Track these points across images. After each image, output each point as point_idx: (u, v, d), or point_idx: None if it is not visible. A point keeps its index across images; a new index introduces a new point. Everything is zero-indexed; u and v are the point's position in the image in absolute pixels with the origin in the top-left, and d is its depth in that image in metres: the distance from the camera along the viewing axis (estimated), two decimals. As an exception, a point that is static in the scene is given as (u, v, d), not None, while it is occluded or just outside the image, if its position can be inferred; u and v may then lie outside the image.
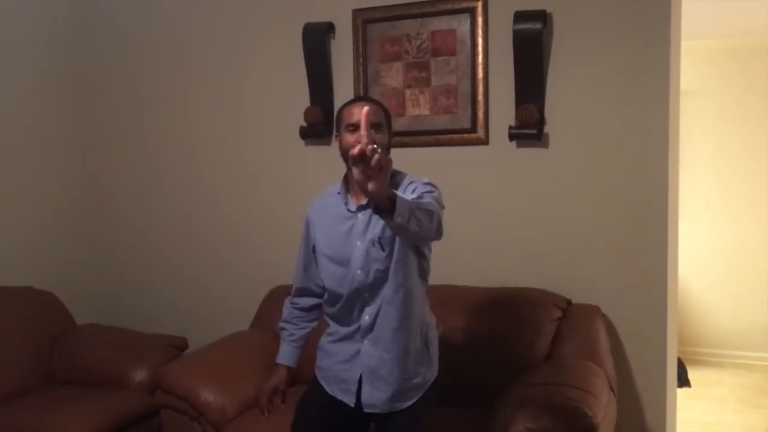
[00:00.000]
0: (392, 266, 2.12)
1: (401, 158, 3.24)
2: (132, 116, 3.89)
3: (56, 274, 3.75)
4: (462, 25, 3.12)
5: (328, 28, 3.34)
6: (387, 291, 2.14)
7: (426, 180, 2.19)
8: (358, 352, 2.20)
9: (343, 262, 2.18)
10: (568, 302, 2.91)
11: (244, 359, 2.99)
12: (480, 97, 3.12)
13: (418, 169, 3.21)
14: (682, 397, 3.59)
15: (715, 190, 5.22)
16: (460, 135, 3.18)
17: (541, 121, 2.99)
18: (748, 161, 5.13)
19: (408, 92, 3.27)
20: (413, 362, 2.20)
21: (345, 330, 2.24)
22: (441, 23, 3.17)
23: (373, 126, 2.08)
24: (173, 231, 3.83)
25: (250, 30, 3.55)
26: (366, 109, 1.88)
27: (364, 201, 2.14)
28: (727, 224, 5.21)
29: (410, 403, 2.19)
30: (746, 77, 5.10)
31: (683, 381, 4.14)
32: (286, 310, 2.45)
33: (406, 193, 2.05)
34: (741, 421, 4.15)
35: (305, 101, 3.40)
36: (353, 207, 2.19)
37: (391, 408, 2.17)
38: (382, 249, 2.12)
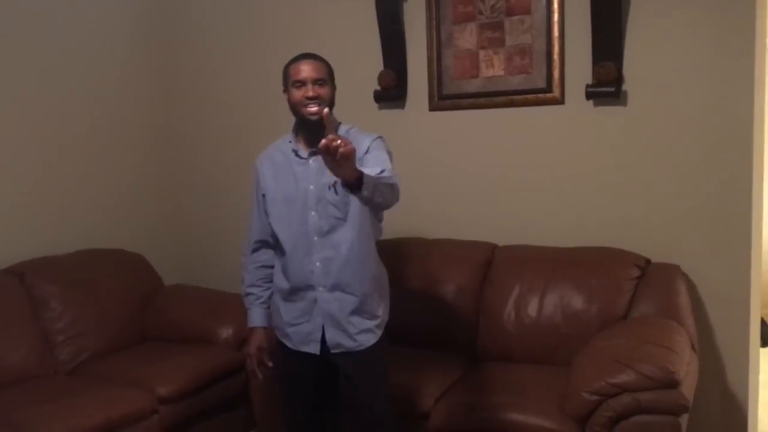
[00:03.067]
0: (345, 210, 2.23)
1: (476, 119, 3.31)
2: (210, 86, 4.01)
3: (144, 237, 3.93)
4: (537, -18, 3.09)
5: (401, -9, 3.35)
6: (341, 235, 2.24)
7: (375, 137, 2.28)
8: (315, 301, 2.28)
9: (296, 205, 2.27)
10: (647, 261, 2.88)
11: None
12: (555, 56, 3.08)
13: (493, 131, 3.27)
14: (765, 357, 3.51)
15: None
16: (535, 95, 3.16)
17: (619, 79, 2.93)
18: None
19: (482, 53, 3.26)
20: (370, 304, 2.29)
21: (297, 280, 2.29)
22: (515, -19, 3.13)
23: (317, 81, 2.24)
24: (249, 197, 3.94)
25: (325, -4, 3.59)
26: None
27: (314, 148, 2.22)
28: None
29: (373, 342, 2.29)
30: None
31: (767, 341, 4.03)
32: (248, 273, 2.48)
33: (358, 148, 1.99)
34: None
35: (379, 65, 3.44)
36: (304, 153, 2.29)
37: (357, 346, 2.27)
38: (336, 193, 2.21)
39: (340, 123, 2.32)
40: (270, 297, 2.46)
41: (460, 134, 3.35)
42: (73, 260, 3.38)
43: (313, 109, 2.21)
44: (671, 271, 2.83)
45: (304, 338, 2.33)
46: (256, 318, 2.48)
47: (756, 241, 2.88)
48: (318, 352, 2.30)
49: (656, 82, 2.91)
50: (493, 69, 3.24)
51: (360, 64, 3.46)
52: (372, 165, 2.11)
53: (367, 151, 2.21)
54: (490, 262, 3.10)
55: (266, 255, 2.46)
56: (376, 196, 1.96)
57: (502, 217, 3.26)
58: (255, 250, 2.48)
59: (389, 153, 2.28)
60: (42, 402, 2.66)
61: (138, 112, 3.99)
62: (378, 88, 3.45)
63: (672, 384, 2.17)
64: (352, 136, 2.23)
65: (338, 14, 3.56)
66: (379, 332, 2.33)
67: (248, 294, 2.50)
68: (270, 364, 2.43)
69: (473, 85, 3.29)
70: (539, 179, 3.19)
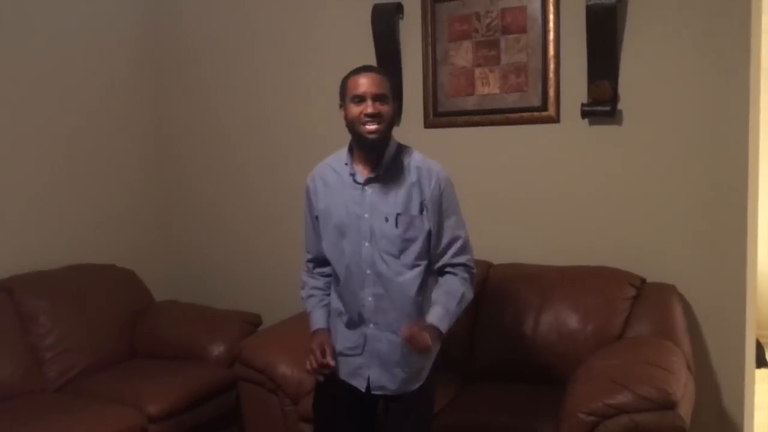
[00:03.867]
0: (403, 246, 2.10)
1: (471, 137, 3.31)
2: (205, 102, 4.00)
3: (135, 252, 3.90)
4: (533, 2, 3.09)
5: (397, 9, 3.36)
6: (393, 270, 2.11)
7: (443, 174, 2.18)
8: (366, 336, 2.15)
9: (349, 233, 2.14)
10: (643, 281, 2.87)
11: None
12: (551, 74, 3.09)
13: (488, 149, 3.26)
14: (760, 379, 3.50)
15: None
16: (530, 113, 3.16)
17: (614, 98, 2.94)
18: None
19: (477, 71, 3.26)
20: (419, 354, 2.12)
21: (351, 311, 2.17)
22: (511, 1, 3.14)
23: (378, 97, 2.08)
24: (246, 212, 3.92)
25: (321, 11, 3.59)
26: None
27: (372, 174, 2.14)
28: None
29: (419, 384, 2.16)
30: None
31: (762, 362, 4.03)
32: (312, 279, 2.32)
33: (420, 182, 2.13)
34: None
35: (374, 82, 3.43)
36: (361, 179, 2.15)
37: (402, 390, 2.15)
38: (396, 226, 2.10)
39: (400, 144, 2.21)
40: (329, 303, 2.29)
41: (455, 152, 3.33)
42: (64, 275, 3.34)
43: (373, 127, 2.06)
44: (666, 291, 2.82)
45: (352, 371, 2.19)
46: (318, 320, 2.26)
47: (751, 262, 2.88)
48: (363, 389, 2.17)
49: (651, 102, 2.92)
50: (489, 87, 3.24)
51: (355, 81, 3.45)
52: (448, 239, 2.15)
53: (441, 200, 2.13)
54: (485, 281, 3.07)
55: (328, 269, 2.28)
56: (454, 322, 2.12)
57: (497, 236, 3.25)
58: (317, 265, 2.32)
59: (455, 201, 2.20)
60: (29, 419, 2.62)
61: (130, 128, 3.96)
62: (374, 104, 3.43)
63: (669, 405, 2.14)
64: (417, 169, 2.14)
65: (334, 30, 3.57)
66: (425, 375, 2.18)
67: (310, 296, 2.31)
68: (332, 363, 2.14)
69: (469, 103, 3.29)
70: (534, 198, 3.18)
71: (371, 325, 2.14)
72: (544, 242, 3.16)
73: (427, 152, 3.33)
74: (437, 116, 3.37)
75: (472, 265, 2.21)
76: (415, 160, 2.18)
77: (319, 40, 3.60)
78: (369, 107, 2.06)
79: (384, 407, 2.22)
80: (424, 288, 2.15)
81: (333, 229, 2.18)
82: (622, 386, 2.20)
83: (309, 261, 2.34)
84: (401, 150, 2.20)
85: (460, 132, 3.33)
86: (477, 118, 3.27)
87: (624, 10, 2.91)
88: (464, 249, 2.20)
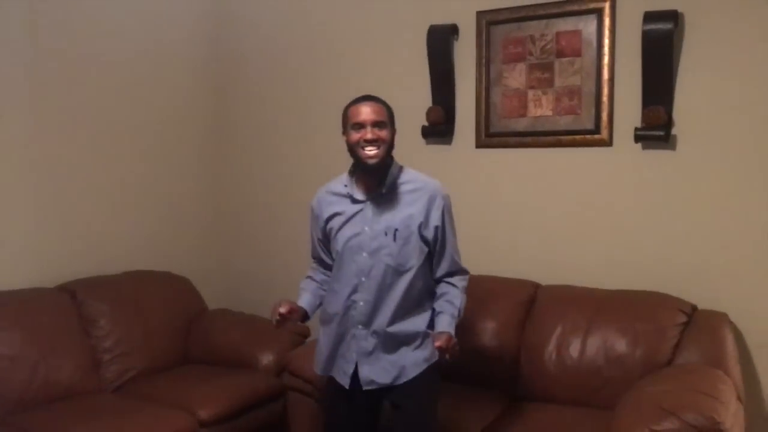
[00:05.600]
0: (401, 259, 2.26)
1: (523, 158, 3.34)
2: (262, 116, 4.12)
3: (191, 261, 4.02)
4: (588, 25, 3.12)
5: (452, 30, 3.41)
6: (387, 280, 2.26)
7: (445, 192, 2.35)
8: (354, 337, 2.30)
9: (351, 245, 2.29)
10: (694, 308, 2.84)
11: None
12: (605, 98, 3.10)
13: (539, 170, 3.27)
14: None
15: None
16: (582, 136, 3.17)
17: (668, 123, 2.94)
18: None
19: (530, 93, 3.29)
20: (408, 345, 2.29)
21: (339, 307, 2.31)
22: (567, 24, 3.17)
23: (377, 124, 2.25)
24: (299, 225, 3.98)
25: (377, 32, 3.68)
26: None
27: (372, 193, 2.30)
28: None
29: (411, 377, 2.28)
30: None
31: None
32: (311, 271, 2.54)
33: (422, 200, 2.30)
34: None
35: (428, 101, 3.49)
36: (360, 196, 2.32)
37: (391, 383, 2.28)
38: (394, 240, 2.25)
39: (401, 167, 2.36)
40: (322, 295, 2.45)
41: (506, 172, 3.37)
42: (123, 281, 3.47)
43: (372, 152, 2.24)
44: (718, 319, 2.79)
45: (342, 370, 2.34)
46: (302, 299, 2.44)
47: (807, 292, 2.82)
48: (347, 386, 2.31)
49: (707, 127, 2.91)
50: (542, 109, 3.27)
51: (409, 100, 3.51)
52: (446, 260, 2.32)
53: (442, 224, 2.30)
54: (533, 301, 3.09)
55: (328, 270, 2.47)
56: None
57: (546, 257, 3.26)
58: (317, 264, 2.55)
59: (452, 217, 2.37)
60: (88, 419, 2.73)
61: (190, 140, 4.11)
62: (426, 123, 3.50)
63: (717, 434, 2.13)
64: (417, 187, 2.30)
65: (389, 50, 3.64)
66: (419, 369, 2.30)
67: (305, 279, 2.53)
68: (283, 310, 2.28)
69: (521, 124, 3.32)
70: (585, 220, 3.19)
71: (359, 327, 2.29)
72: (593, 265, 3.15)
73: (478, 171, 3.43)
74: (489, 136, 3.40)
75: (466, 268, 2.43)
76: (417, 179, 2.34)
77: (374, 61, 3.68)
78: (368, 133, 2.24)
79: (390, 407, 2.35)
80: (413, 293, 2.30)
81: (339, 241, 2.33)
82: (669, 413, 2.18)
83: (312, 260, 2.56)
84: (403, 171, 2.35)
85: (512, 153, 3.35)
86: (529, 139, 3.30)
87: (681, 35, 2.91)
88: (459, 259, 2.40)
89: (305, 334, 3.53)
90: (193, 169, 4.13)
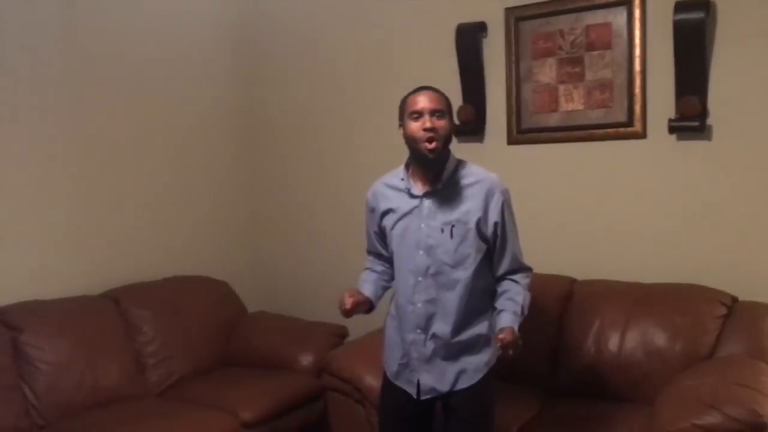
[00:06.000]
0: (458, 257, 2.19)
1: (555, 153, 3.32)
2: (297, 121, 4.16)
3: (229, 265, 4.09)
4: (618, 18, 3.09)
5: (481, 28, 3.42)
6: (445, 279, 2.20)
7: (504, 186, 2.29)
8: (413, 343, 2.25)
9: (407, 242, 2.25)
10: (734, 299, 2.80)
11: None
12: (637, 90, 3.07)
13: (572, 165, 3.25)
14: None
15: None
16: (615, 129, 3.15)
17: (703, 113, 2.90)
18: None
19: (561, 87, 3.27)
20: (470, 350, 2.23)
21: (402, 314, 2.28)
22: (596, 17, 3.15)
23: (436, 112, 2.18)
24: (336, 228, 4.04)
25: (406, 32, 3.69)
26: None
27: (430, 188, 2.24)
28: None
29: (471, 383, 2.23)
30: None
31: None
32: (369, 263, 2.49)
33: (481, 195, 2.23)
34: None
35: (458, 100, 3.50)
36: (418, 191, 2.25)
37: (453, 389, 2.23)
38: (451, 236, 2.18)
39: (459, 160, 2.32)
40: (384, 286, 2.43)
41: (539, 168, 3.36)
42: (164, 287, 3.55)
43: (432, 146, 2.15)
44: (760, 310, 2.75)
45: (404, 377, 2.30)
46: (363, 287, 2.41)
47: None
48: (414, 395, 2.27)
49: (743, 116, 2.86)
50: (573, 103, 3.25)
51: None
52: (507, 257, 2.26)
53: (502, 220, 2.23)
54: (570, 296, 3.08)
55: (385, 261, 2.44)
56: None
57: (581, 252, 3.24)
58: (373, 257, 2.50)
59: (512, 212, 2.31)
60: (134, 422, 2.80)
61: (229, 146, 4.18)
62: (457, 122, 3.50)
63: (761, 428, 2.10)
64: (475, 182, 2.25)
65: (420, 50, 3.65)
66: (478, 376, 2.25)
67: (364, 270, 2.49)
68: (348, 306, 2.26)
69: (552, 119, 3.31)
70: (619, 214, 3.16)
71: (418, 330, 2.24)
72: (629, 259, 3.13)
73: (511, 168, 3.41)
74: (521, 133, 3.40)
75: (529, 266, 2.36)
76: (474, 173, 2.28)
77: (404, 61, 3.70)
78: (427, 122, 2.16)
79: (443, 409, 2.30)
80: (474, 295, 2.23)
81: (395, 239, 2.29)
82: (710, 406, 2.16)
83: (368, 254, 2.51)
84: (460, 165, 2.30)
85: (544, 148, 3.34)
86: (560, 134, 3.28)
87: (713, 24, 2.87)
88: (521, 256, 2.33)
89: (343, 335, 3.56)
90: (228, 174, 4.20)
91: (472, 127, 3.47)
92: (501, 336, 2.10)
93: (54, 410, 2.85)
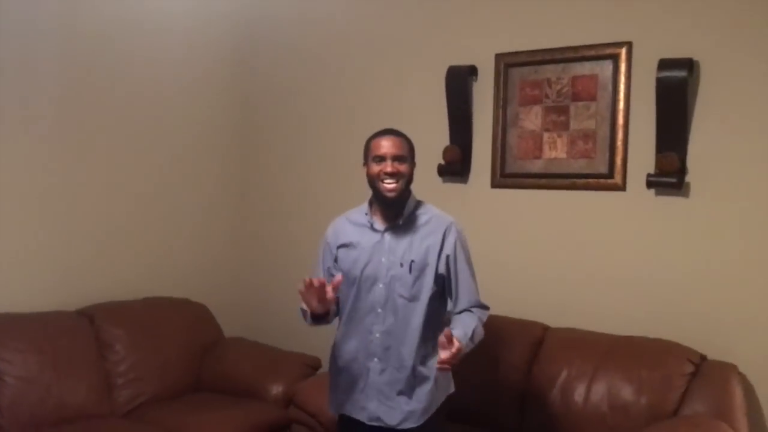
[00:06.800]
0: (415, 290, 2.27)
1: (537, 199, 3.35)
2: (284, 151, 4.21)
3: (209, 288, 4.10)
4: (604, 70, 3.14)
5: (471, 71, 3.47)
6: (403, 311, 2.27)
7: (459, 227, 2.37)
8: (368, 370, 2.31)
9: (367, 275, 2.31)
10: (703, 357, 2.80)
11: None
12: (619, 142, 3.11)
13: (553, 211, 3.28)
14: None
15: None
16: (596, 179, 3.18)
17: (682, 170, 2.93)
18: None
19: (546, 135, 3.31)
20: (422, 384, 2.28)
21: (358, 345, 2.33)
22: (583, 68, 3.19)
23: (397, 158, 2.30)
24: (316, 256, 4.05)
25: (398, 71, 3.75)
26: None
27: (389, 223, 2.34)
28: None
29: (418, 425, 2.27)
30: None
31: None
32: None
33: (437, 235, 2.32)
34: None
35: (445, 140, 3.54)
36: (380, 227, 2.36)
37: (396, 425, 2.26)
38: (410, 271, 2.27)
39: (419, 201, 2.41)
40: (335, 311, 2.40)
41: (521, 212, 3.38)
42: (140, 307, 3.55)
43: (391, 185, 2.28)
44: (727, 370, 2.74)
45: (356, 404, 2.35)
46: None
47: (821, 346, 2.76)
48: (366, 421, 2.32)
49: (720, 176, 2.89)
50: (556, 151, 3.28)
51: (427, 138, 3.50)
52: (463, 293, 2.30)
53: (454, 254, 2.29)
54: (541, 343, 3.08)
55: None
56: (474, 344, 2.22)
57: (555, 299, 3.25)
58: None
59: (467, 250, 2.36)
60: (95, 442, 2.79)
61: (212, 171, 4.21)
62: (442, 162, 3.54)
63: (717, 491, 2.09)
64: (432, 221, 2.34)
65: (410, 90, 3.71)
66: (424, 418, 2.28)
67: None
68: (316, 284, 2.21)
69: (536, 166, 3.34)
70: (597, 263, 3.17)
71: (375, 360, 2.30)
72: (603, 309, 3.13)
73: (492, 210, 3.45)
74: (504, 177, 3.43)
75: (486, 304, 2.42)
76: (433, 213, 2.38)
77: (394, 99, 3.75)
78: (388, 166, 2.29)
79: None
80: (430, 329, 2.29)
81: (352, 271, 2.34)
82: (667, 466, 2.16)
83: None
84: (419, 204, 2.40)
85: (526, 194, 3.37)
86: (543, 181, 3.31)
87: (696, 83, 2.91)
88: (478, 295, 2.38)
89: (315, 366, 3.56)
90: (213, 198, 4.23)
91: (458, 168, 3.50)
92: (444, 356, 2.04)
93: (16, 425, 2.85)
